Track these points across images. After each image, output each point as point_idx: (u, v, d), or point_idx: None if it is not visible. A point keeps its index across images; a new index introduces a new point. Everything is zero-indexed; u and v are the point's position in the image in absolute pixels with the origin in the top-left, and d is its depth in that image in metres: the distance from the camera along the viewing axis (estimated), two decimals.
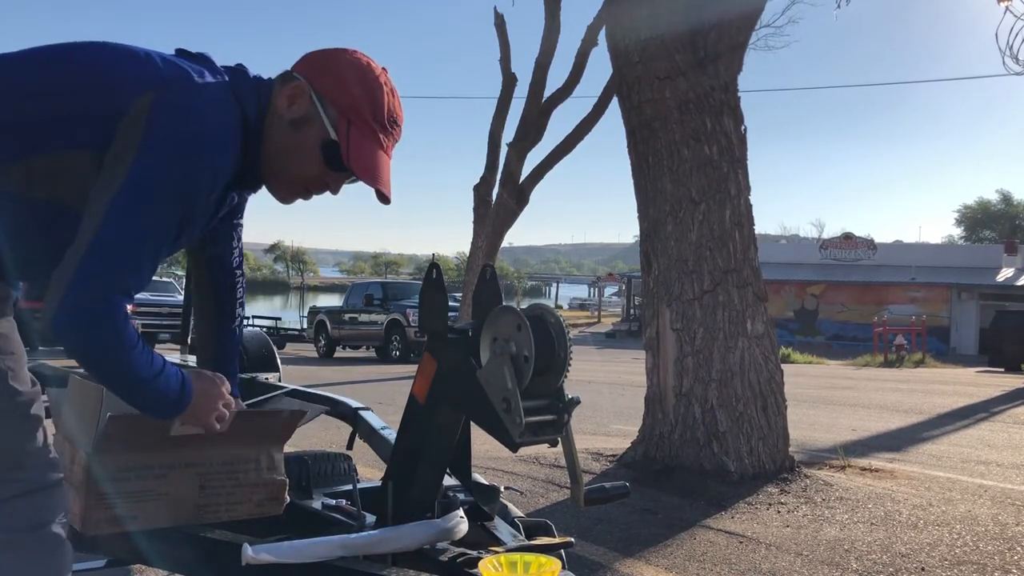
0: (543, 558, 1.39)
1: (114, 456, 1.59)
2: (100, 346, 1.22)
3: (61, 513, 1.29)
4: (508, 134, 14.74)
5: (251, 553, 1.42)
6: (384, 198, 1.41)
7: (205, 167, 1.26)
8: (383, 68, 1.44)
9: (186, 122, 1.24)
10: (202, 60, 1.38)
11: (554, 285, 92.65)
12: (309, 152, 1.37)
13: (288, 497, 1.80)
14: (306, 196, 1.46)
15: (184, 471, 1.66)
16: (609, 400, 9.17)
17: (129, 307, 1.25)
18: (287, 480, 1.79)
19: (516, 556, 1.41)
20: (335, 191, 1.45)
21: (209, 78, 1.32)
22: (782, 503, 3.99)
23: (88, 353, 1.22)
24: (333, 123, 1.37)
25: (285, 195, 1.45)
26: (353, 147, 1.37)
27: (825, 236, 47.42)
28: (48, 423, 1.38)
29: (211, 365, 1.75)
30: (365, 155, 1.38)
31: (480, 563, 1.39)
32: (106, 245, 1.19)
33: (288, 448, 1.84)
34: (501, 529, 1.74)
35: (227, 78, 1.37)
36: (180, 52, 1.39)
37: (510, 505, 1.90)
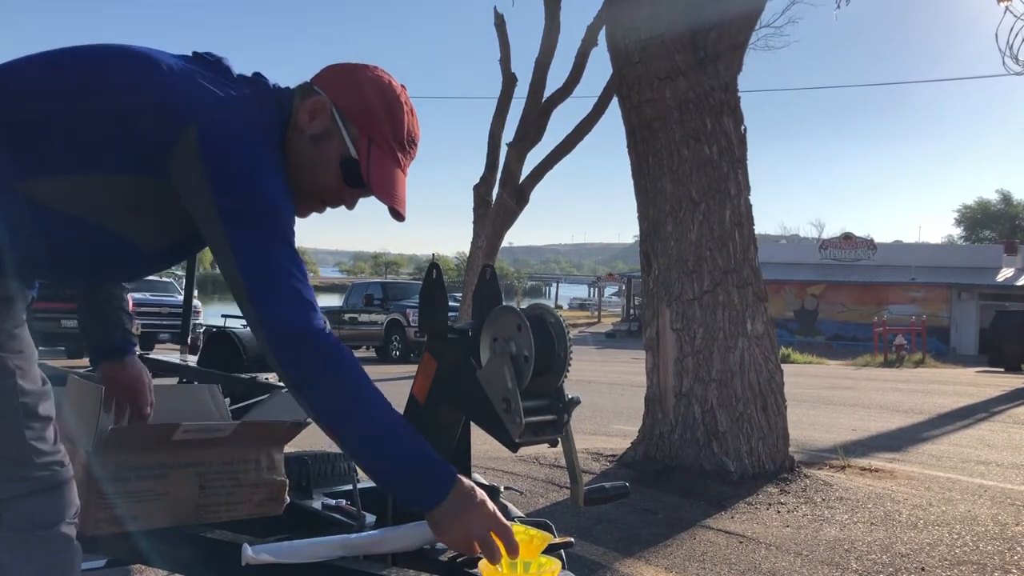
0: (543, 558, 1.39)
1: (114, 456, 1.59)
2: (317, 360, 1.24)
3: (71, 512, 1.29)
4: (508, 134, 14.75)
5: (251, 553, 1.41)
6: (399, 216, 1.42)
7: (273, 175, 1.29)
8: (402, 86, 1.44)
9: (237, 142, 1.26)
10: (222, 70, 1.37)
11: (554, 285, 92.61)
12: (328, 167, 1.38)
13: (288, 497, 1.80)
14: (321, 210, 1.46)
15: (184, 471, 1.66)
16: (609, 400, 9.17)
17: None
18: (287, 480, 1.79)
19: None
20: (351, 206, 1.46)
21: (235, 92, 1.33)
22: (782, 503, 3.99)
23: (310, 370, 1.25)
24: (354, 140, 1.37)
25: (302, 209, 1.44)
26: (373, 166, 1.37)
27: (825, 236, 47.45)
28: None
29: (113, 315, 1.70)
30: (384, 174, 1.38)
31: (480, 562, 1.39)
32: (257, 280, 1.24)
33: (288, 448, 1.84)
34: None
35: (247, 90, 1.37)
36: (197, 56, 1.39)
37: (510, 505, 1.89)
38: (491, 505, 1.28)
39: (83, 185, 1.25)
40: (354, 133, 1.37)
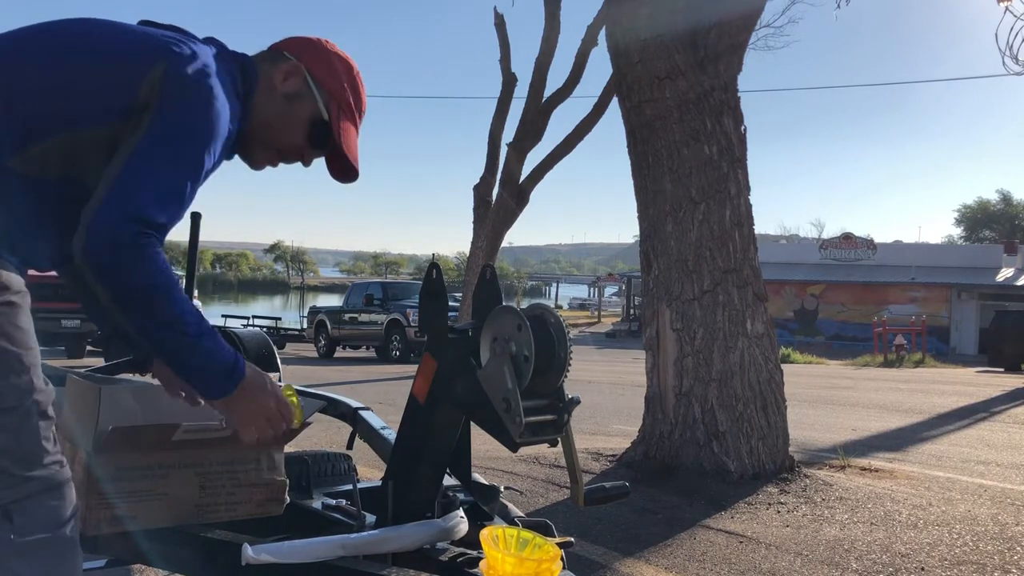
0: (541, 539, 1.40)
1: (115, 456, 1.59)
2: (135, 274, 1.19)
3: (72, 511, 1.28)
4: (508, 134, 14.75)
5: (251, 553, 1.41)
6: (355, 175, 1.57)
7: (220, 112, 1.34)
8: (355, 62, 1.59)
9: (198, 75, 1.32)
10: (179, 30, 1.44)
11: (554, 285, 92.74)
12: (297, 126, 1.50)
13: (288, 497, 1.80)
14: (276, 164, 1.57)
15: (184, 471, 1.66)
16: (609, 400, 9.17)
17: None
18: (287, 480, 1.79)
19: (514, 531, 1.42)
20: (307, 164, 1.58)
21: (202, 45, 1.40)
22: (782, 503, 3.99)
23: (122, 282, 1.19)
24: (325, 104, 1.51)
25: (260, 162, 1.54)
26: (343, 130, 1.52)
27: (825, 236, 47.50)
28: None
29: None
30: (350, 138, 1.54)
31: (480, 532, 1.39)
32: (135, 176, 1.22)
33: (288, 448, 1.84)
34: None
35: (209, 45, 1.44)
36: (149, 22, 1.45)
37: (510, 505, 1.90)
38: (271, 386, 1.38)
39: (70, 146, 1.28)
40: (324, 97, 1.51)
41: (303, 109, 1.49)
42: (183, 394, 1.67)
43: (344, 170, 1.56)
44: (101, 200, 1.21)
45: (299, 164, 1.59)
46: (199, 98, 1.30)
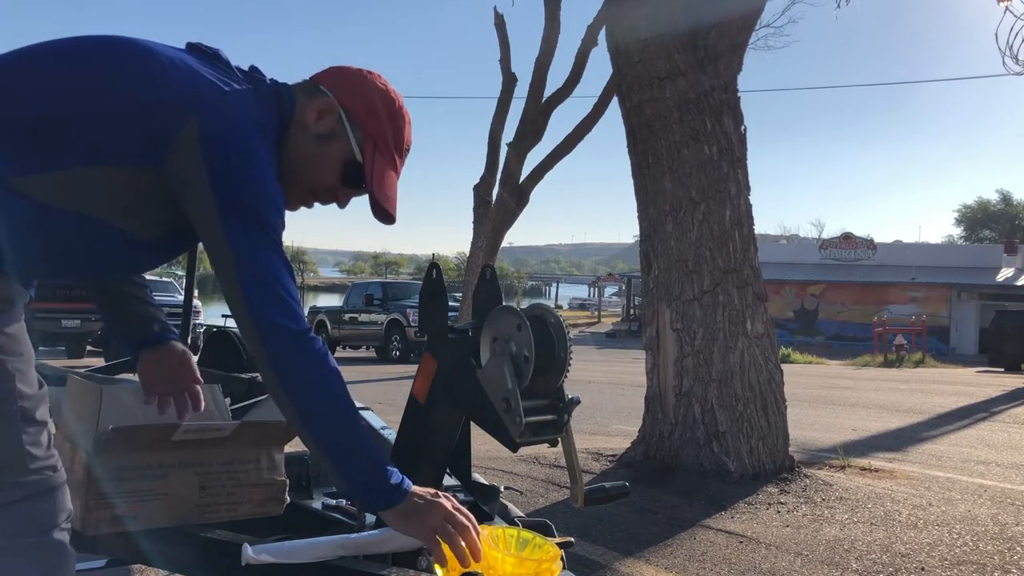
0: (540, 539, 1.40)
1: (115, 456, 1.59)
2: (309, 362, 1.27)
3: (64, 516, 1.28)
4: (508, 134, 14.75)
5: (251, 553, 1.41)
6: (390, 220, 1.46)
7: (270, 171, 1.30)
8: (400, 95, 1.49)
9: (235, 135, 1.26)
10: (218, 61, 1.38)
11: (554, 285, 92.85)
12: (330, 166, 1.42)
13: (288, 497, 1.80)
14: (311, 205, 1.50)
15: (184, 471, 1.66)
16: (609, 400, 9.17)
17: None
18: (287, 480, 1.79)
19: (514, 531, 1.42)
20: (343, 205, 1.50)
21: (235, 87, 1.33)
22: (782, 503, 3.99)
23: (301, 371, 1.27)
24: (359, 144, 1.42)
25: (293, 203, 1.47)
26: (377, 172, 1.42)
27: (825, 236, 47.52)
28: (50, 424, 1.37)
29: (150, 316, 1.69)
30: (385, 179, 1.44)
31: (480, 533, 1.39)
32: (249, 296, 1.26)
33: (288, 448, 1.84)
34: None
35: (247, 85, 1.37)
36: (192, 47, 1.39)
37: (510, 505, 1.90)
38: (449, 504, 1.33)
39: (81, 180, 1.24)
40: (359, 137, 1.41)
41: (336, 149, 1.41)
42: (170, 399, 1.68)
43: (381, 211, 1.45)
44: (247, 327, 1.27)
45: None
46: (247, 167, 1.26)
